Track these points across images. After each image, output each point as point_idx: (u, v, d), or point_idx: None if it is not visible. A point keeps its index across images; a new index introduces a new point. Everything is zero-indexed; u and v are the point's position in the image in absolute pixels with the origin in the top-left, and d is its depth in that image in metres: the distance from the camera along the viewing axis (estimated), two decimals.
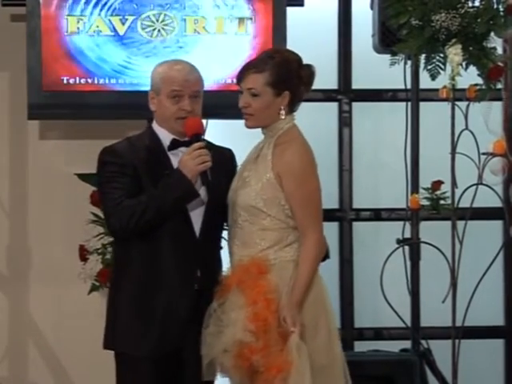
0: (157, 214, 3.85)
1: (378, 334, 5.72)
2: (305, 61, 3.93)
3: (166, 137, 3.88)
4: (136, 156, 3.92)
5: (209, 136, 5.12)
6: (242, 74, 3.85)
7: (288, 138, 3.85)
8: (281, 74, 3.84)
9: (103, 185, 3.89)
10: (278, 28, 5.16)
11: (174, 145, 3.91)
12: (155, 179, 3.84)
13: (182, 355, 3.91)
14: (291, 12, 5.22)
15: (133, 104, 5.03)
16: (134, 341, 3.92)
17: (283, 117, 3.88)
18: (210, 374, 3.87)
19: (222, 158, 4.04)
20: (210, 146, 3.99)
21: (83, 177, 5.03)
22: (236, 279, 3.84)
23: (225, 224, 4.22)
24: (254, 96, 3.82)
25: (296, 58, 3.97)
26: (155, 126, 3.92)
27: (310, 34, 5.60)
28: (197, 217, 3.89)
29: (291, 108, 3.93)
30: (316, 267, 3.81)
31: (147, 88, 4.78)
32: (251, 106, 3.83)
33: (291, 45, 4.87)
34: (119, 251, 4.01)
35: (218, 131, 5.10)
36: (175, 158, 3.85)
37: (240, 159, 4.12)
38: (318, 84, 4.83)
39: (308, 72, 3.88)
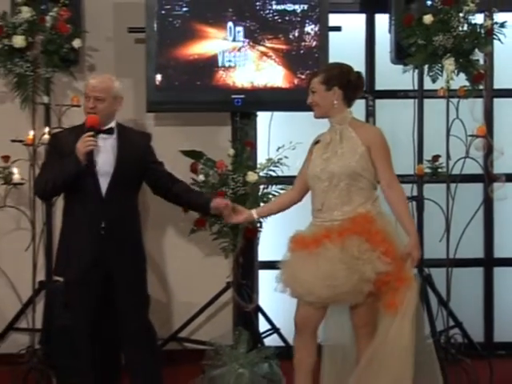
0: (57, 183, 4.18)
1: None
2: None
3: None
4: (67, 139, 4.24)
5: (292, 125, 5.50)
6: (308, 81, 4.26)
7: (359, 123, 4.21)
8: (330, 75, 4.15)
9: (43, 160, 4.40)
10: (323, 47, 5.41)
11: (94, 131, 4.19)
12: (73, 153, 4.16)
13: (110, 281, 4.20)
14: (332, 35, 5.47)
15: (219, 101, 5.41)
16: (63, 270, 4.31)
17: (336, 106, 4.13)
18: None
19: (135, 141, 4.34)
20: (125, 131, 4.31)
21: (185, 152, 5.35)
22: (350, 230, 4.02)
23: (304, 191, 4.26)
24: (313, 93, 4.17)
25: (346, 67, 4.26)
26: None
27: (345, 51, 5.61)
28: (104, 182, 4.18)
29: (346, 103, 4.17)
30: (408, 205, 4.17)
31: (228, 88, 5.38)
32: (313, 100, 4.17)
33: (332, 60, 5.09)
34: (64, 204, 4.37)
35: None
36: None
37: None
38: None
39: (355, 76, 4.18)
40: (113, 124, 4.29)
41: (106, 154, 4.18)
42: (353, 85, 4.16)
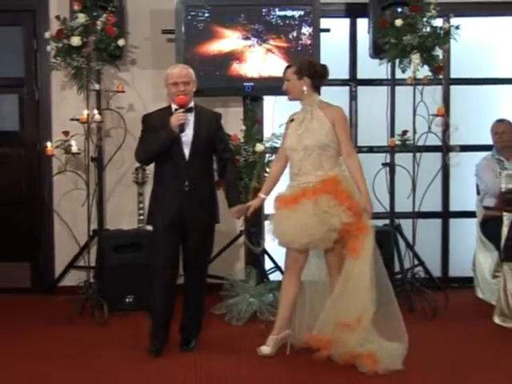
0: (155, 150, 4.38)
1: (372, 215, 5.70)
2: (330, 64, 4.50)
3: (173, 106, 4.52)
4: (157, 117, 4.49)
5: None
6: (284, 71, 4.54)
7: (326, 104, 4.44)
8: (301, 67, 4.38)
9: (140, 135, 4.58)
10: (315, 45, 5.70)
11: (176, 110, 4.47)
12: (163, 127, 4.42)
13: (184, 228, 4.47)
14: (323, 35, 5.78)
15: (234, 88, 5.76)
16: (153, 220, 4.53)
17: (306, 92, 4.34)
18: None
19: (209, 117, 4.51)
20: (201, 110, 4.47)
21: None
22: (322, 189, 4.23)
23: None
24: (287, 81, 4.42)
25: (314, 61, 4.54)
26: (170, 101, 4.60)
27: (334, 48, 6.07)
28: (187, 149, 4.41)
29: (315, 89, 4.39)
30: (362, 170, 4.32)
31: (240, 77, 5.64)
32: (287, 87, 4.43)
33: (323, 55, 5.64)
34: (154, 169, 4.58)
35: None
36: None
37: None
38: (338, 76, 5.91)
39: (321, 67, 4.43)
40: (192, 104, 4.51)
41: (187, 128, 4.44)
42: (319, 74, 4.40)
